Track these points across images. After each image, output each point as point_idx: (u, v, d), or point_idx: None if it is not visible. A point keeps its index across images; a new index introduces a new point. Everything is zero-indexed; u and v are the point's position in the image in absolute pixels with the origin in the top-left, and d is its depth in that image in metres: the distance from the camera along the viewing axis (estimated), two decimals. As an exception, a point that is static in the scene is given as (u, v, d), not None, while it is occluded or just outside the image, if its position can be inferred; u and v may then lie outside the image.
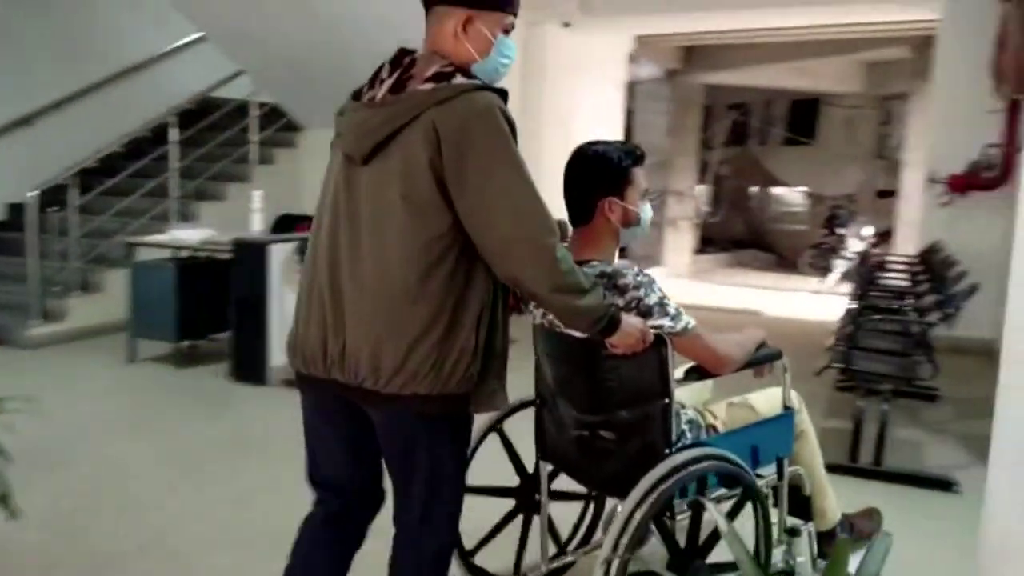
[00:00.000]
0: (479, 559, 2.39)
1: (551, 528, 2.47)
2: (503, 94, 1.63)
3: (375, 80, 1.69)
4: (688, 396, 2.29)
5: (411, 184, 1.58)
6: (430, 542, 1.78)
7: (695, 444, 1.98)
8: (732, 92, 13.71)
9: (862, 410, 3.66)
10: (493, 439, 2.34)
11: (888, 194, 12.23)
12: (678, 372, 2.00)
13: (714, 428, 2.15)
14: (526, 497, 2.39)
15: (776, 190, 15.01)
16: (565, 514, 2.58)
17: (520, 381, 2.11)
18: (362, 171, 1.65)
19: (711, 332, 1.99)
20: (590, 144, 2.04)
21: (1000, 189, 5.80)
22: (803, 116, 14.07)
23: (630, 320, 1.78)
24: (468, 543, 2.35)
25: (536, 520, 2.39)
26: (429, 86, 1.60)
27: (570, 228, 2.09)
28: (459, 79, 1.61)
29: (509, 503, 2.41)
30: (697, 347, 1.94)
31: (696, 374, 2.02)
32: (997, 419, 1.64)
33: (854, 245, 10.61)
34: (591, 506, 2.64)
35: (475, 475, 2.30)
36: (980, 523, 1.67)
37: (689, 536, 1.91)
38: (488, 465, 2.25)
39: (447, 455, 1.74)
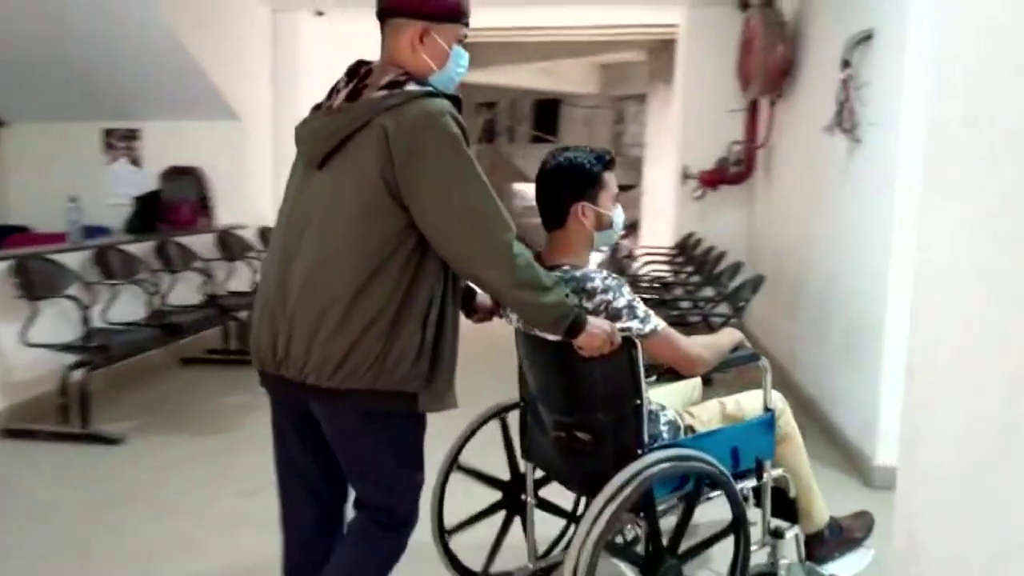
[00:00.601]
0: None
1: (556, 509, 2.51)
2: (455, 100, 1.68)
3: (333, 91, 1.75)
4: (674, 397, 2.32)
5: (363, 188, 1.60)
6: (382, 546, 1.77)
7: (669, 445, 1.98)
8: (482, 91, 13.97)
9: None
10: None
11: (627, 188, 13.06)
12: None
13: (692, 429, 2.14)
14: (513, 502, 2.41)
15: (519, 186, 15.47)
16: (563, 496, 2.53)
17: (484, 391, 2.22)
18: (318, 175, 1.69)
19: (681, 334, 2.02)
20: (561, 150, 2.07)
21: (744, 183, 6.29)
22: (546, 115, 14.67)
23: (596, 322, 1.78)
24: (475, 565, 2.38)
25: (536, 513, 2.41)
26: (382, 93, 1.63)
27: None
28: (411, 86, 1.64)
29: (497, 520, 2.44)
30: (667, 348, 1.95)
31: (669, 375, 2.06)
32: (903, 430, 1.64)
33: (604, 237, 11.12)
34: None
35: (453, 512, 2.36)
36: (892, 527, 1.67)
37: (660, 537, 1.90)
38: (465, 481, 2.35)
39: (395, 456, 1.73)
